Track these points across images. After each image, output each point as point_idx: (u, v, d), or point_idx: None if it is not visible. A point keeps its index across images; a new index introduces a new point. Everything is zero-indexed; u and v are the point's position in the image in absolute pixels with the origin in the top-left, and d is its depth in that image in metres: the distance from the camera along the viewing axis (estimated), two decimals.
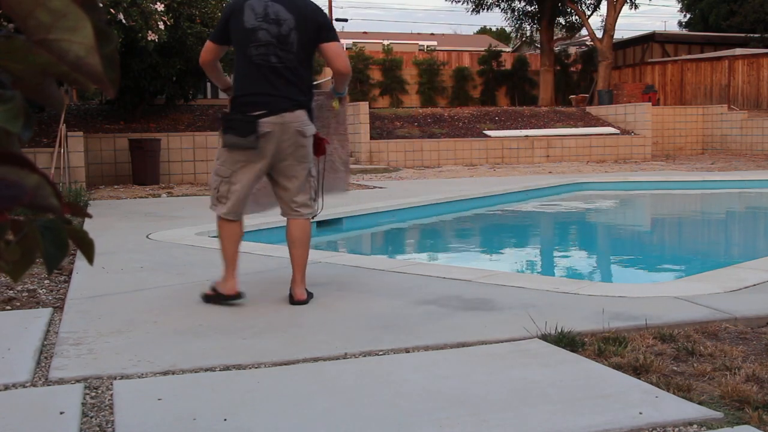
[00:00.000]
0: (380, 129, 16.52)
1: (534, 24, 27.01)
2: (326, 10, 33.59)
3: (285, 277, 4.35)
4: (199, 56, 3.82)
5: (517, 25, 27.43)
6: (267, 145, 3.58)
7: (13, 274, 0.71)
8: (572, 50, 28.99)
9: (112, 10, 9.92)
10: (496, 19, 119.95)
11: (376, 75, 26.32)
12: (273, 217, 7.03)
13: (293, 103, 3.60)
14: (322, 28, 3.67)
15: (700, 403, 2.23)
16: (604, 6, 24.99)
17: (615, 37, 23.87)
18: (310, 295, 3.72)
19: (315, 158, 3.81)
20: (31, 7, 0.56)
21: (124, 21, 9.98)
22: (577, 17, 25.27)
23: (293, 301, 3.64)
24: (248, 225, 6.53)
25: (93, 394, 2.42)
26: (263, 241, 5.84)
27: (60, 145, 9.79)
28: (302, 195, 3.70)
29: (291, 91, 3.61)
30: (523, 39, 30.37)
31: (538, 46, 27.33)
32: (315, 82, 4.08)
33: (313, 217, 3.91)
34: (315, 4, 3.72)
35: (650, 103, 18.42)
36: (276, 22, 3.58)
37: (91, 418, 2.22)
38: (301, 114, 3.62)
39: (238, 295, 3.62)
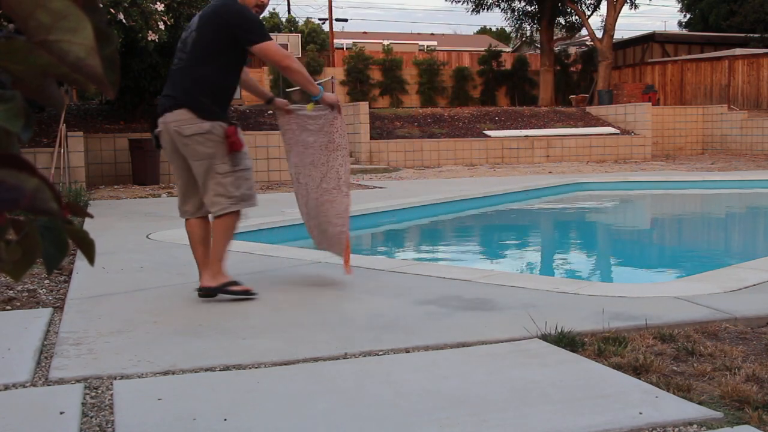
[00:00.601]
0: (380, 129, 16.52)
1: (534, 24, 27.02)
2: (326, 10, 33.43)
3: (285, 277, 4.35)
4: None
5: (517, 25, 27.45)
6: (166, 145, 3.76)
7: (14, 273, 0.71)
8: (572, 50, 29.00)
9: (112, 10, 9.92)
10: (496, 19, 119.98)
11: (376, 75, 26.32)
12: (273, 217, 7.04)
13: (174, 103, 3.65)
14: (235, 28, 3.63)
15: (700, 403, 2.23)
16: (604, 6, 24.98)
17: (615, 37, 23.88)
18: (225, 286, 3.68)
19: (227, 154, 3.68)
20: (32, 8, 0.56)
21: (124, 21, 9.98)
22: (577, 17, 25.27)
23: (198, 288, 3.74)
24: (249, 225, 6.53)
25: (93, 394, 2.42)
26: (263, 241, 5.84)
27: (60, 145, 9.79)
28: (208, 194, 3.69)
29: (177, 91, 3.70)
30: (523, 39, 30.39)
31: (538, 46, 27.34)
32: (318, 82, 4.09)
33: (252, 214, 3.97)
34: (231, 8, 3.66)
35: (650, 103, 18.42)
36: (187, 29, 3.82)
37: (91, 418, 2.22)
38: (180, 113, 3.62)
39: (199, 290, 3.76)
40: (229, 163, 3.65)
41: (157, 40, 10.36)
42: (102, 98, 15.55)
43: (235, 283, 3.71)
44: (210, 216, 3.80)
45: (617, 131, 17.60)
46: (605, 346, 2.77)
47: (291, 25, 31.83)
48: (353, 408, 2.25)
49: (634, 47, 27.13)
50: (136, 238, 5.75)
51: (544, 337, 2.93)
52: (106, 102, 14.24)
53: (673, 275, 5.68)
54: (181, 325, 3.26)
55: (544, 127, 17.59)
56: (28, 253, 0.70)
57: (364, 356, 2.78)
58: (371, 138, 15.74)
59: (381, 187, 10.74)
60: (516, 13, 26.77)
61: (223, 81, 3.73)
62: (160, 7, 10.45)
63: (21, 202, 0.59)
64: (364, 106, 15.83)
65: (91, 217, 0.80)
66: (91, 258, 0.73)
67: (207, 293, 3.69)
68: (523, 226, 9.02)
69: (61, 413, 2.24)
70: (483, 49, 29.22)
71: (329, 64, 27.53)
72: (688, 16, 33.21)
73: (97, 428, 2.15)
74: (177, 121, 3.62)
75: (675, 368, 2.60)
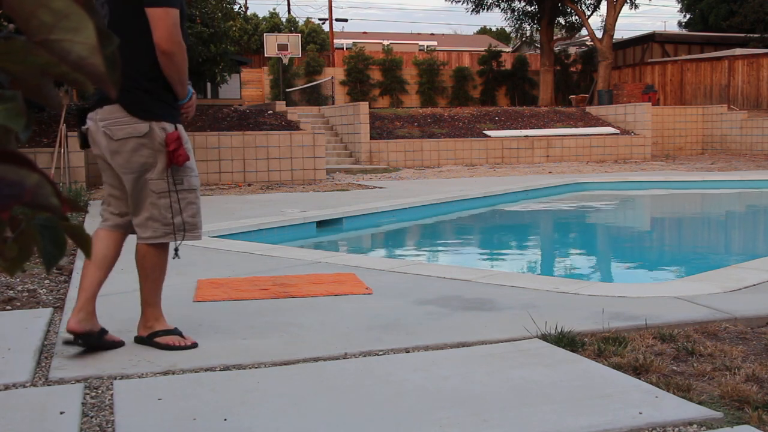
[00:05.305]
0: (380, 129, 16.52)
1: (534, 24, 27.04)
2: (326, 10, 33.45)
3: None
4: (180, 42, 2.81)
5: (517, 25, 27.48)
6: (93, 147, 2.93)
7: (9, 270, 0.72)
8: (572, 50, 29.01)
9: None
10: (496, 19, 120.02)
11: (376, 75, 26.33)
12: (273, 217, 7.04)
13: (107, 95, 2.74)
14: None
15: (700, 403, 2.23)
16: (604, 6, 25.03)
17: (615, 37, 23.89)
18: (160, 334, 2.94)
19: (166, 169, 2.87)
20: (33, 7, 0.56)
21: None
22: (577, 17, 25.28)
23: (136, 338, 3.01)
24: (248, 225, 6.53)
25: (93, 394, 2.42)
26: (263, 241, 5.84)
27: (60, 145, 9.79)
28: (140, 214, 2.93)
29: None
30: (523, 39, 30.42)
31: (538, 46, 27.36)
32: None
33: (179, 244, 3.03)
34: None
35: (650, 103, 18.43)
36: None
37: (91, 418, 2.22)
38: (111, 110, 2.79)
39: (73, 336, 2.87)
40: (168, 180, 2.87)
41: None
42: None
43: (166, 333, 2.95)
44: (137, 241, 3.04)
45: (617, 131, 17.60)
46: (605, 346, 2.77)
47: (291, 25, 31.83)
48: (353, 408, 2.25)
49: (634, 47, 27.14)
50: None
51: (544, 337, 2.93)
52: None
53: (673, 275, 5.68)
54: (180, 325, 3.25)
55: (544, 127, 17.59)
56: (24, 250, 0.70)
57: (364, 356, 2.78)
58: (371, 138, 15.75)
59: (381, 187, 10.75)
60: (516, 13, 26.80)
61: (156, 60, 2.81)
62: None
63: (23, 197, 0.59)
64: (364, 106, 15.83)
65: (86, 212, 0.81)
66: (87, 252, 0.73)
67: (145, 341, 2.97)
68: (523, 226, 9.02)
69: (61, 413, 2.24)
70: (483, 49, 29.24)
71: (329, 64, 27.55)
72: (688, 16, 33.21)
73: (97, 428, 2.15)
74: (107, 121, 2.81)
75: (675, 368, 2.60)
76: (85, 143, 2.97)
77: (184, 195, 2.92)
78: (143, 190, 2.86)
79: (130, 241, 3.14)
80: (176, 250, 3.02)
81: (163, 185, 2.86)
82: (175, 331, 2.98)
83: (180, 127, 2.90)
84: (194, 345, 2.93)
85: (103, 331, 2.89)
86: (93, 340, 2.82)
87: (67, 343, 2.81)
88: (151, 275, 3.02)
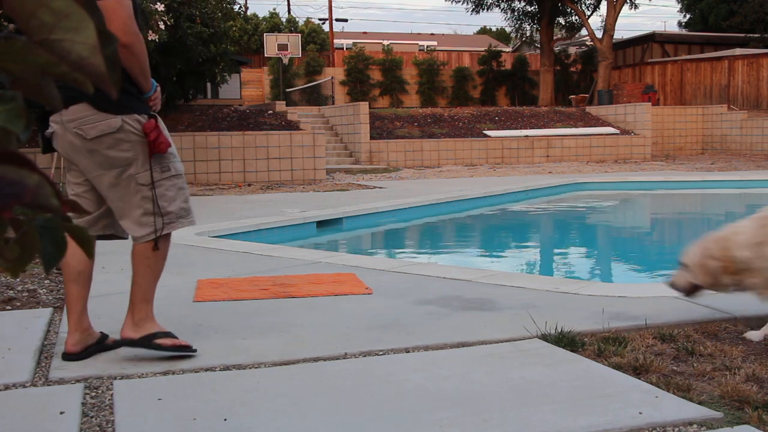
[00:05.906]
0: (380, 129, 16.52)
1: (534, 24, 27.05)
2: (326, 10, 33.55)
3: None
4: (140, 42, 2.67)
5: (517, 25, 27.49)
6: (59, 149, 2.78)
7: (12, 271, 0.72)
8: (572, 50, 29.02)
9: None
10: (496, 19, 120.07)
11: (376, 75, 26.34)
12: (273, 217, 7.04)
13: (71, 95, 2.63)
14: None
15: (700, 403, 2.23)
16: (604, 6, 25.01)
17: (615, 37, 23.90)
18: (152, 338, 2.77)
19: (149, 159, 2.75)
20: (34, 7, 0.56)
21: None
22: (577, 17, 25.28)
23: (119, 339, 2.85)
24: (248, 225, 6.53)
25: (93, 394, 2.42)
26: (263, 241, 5.84)
27: None
28: (130, 214, 2.75)
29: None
30: (523, 39, 30.43)
31: (538, 46, 27.37)
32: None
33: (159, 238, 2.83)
34: None
35: (650, 103, 18.44)
36: None
37: (91, 418, 2.22)
38: (78, 109, 2.64)
39: (65, 355, 2.82)
40: (157, 170, 2.75)
41: (157, 40, 10.36)
42: None
43: (165, 335, 2.81)
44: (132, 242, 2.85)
45: (617, 131, 17.60)
46: (605, 346, 2.77)
47: (291, 25, 31.84)
48: (353, 408, 2.25)
49: (634, 47, 27.15)
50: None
51: (544, 337, 2.93)
52: None
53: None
54: (180, 325, 3.25)
55: (544, 127, 17.60)
56: (26, 251, 0.70)
57: (364, 356, 2.78)
58: (371, 138, 15.75)
59: (381, 187, 10.75)
60: (516, 13, 26.81)
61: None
62: (160, 7, 10.45)
63: (23, 197, 0.59)
64: (364, 106, 15.84)
65: (90, 214, 0.81)
66: (89, 253, 0.73)
67: (129, 343, 2.81)
68: (523, 226, 9.02)
69: (61, 413, 2.24)
70: (483, 49, 29.25)
71: (329, 64, 27.55)
72: (688, 16, 33.21)
73: (97, 428, 2.15)
74: (77, 121, 2.67)
75: (675, 368, 2.60)
76: (48, 147, 2.81)
77: (174, 181, 2.80)
78: (129, 186, 2.71)
79: (128, 242, 3.12)
80: (156, 241, 2.82)
81: (150, 176, 2.74)
82: (170, 334, 2.83)
83: (156, 116, 2.79)
84: (194, 348, 2.83)
85: (103, 337, 2.84)
86: (93, 351, 2.80)
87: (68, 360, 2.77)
88: (154, 266, 2.85)
